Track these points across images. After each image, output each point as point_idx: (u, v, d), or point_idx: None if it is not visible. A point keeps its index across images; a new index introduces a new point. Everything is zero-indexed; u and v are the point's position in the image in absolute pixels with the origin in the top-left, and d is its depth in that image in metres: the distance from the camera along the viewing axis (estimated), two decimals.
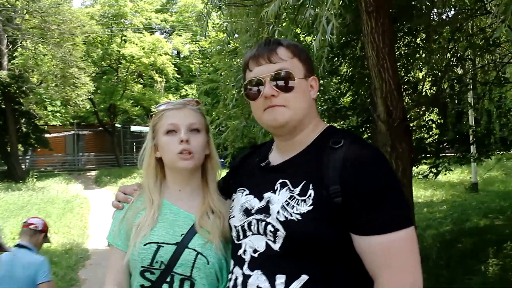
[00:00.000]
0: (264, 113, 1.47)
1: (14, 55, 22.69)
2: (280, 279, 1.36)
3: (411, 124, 5.88)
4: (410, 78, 6.72)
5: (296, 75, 1.45)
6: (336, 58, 6.32)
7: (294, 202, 1.38)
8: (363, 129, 6.39)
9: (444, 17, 6.02)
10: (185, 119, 1.67)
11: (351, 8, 4.85)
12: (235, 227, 1.55)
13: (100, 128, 31.98)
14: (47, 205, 14.60)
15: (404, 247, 1.30)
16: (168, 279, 1.57)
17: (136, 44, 27.40)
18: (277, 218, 1.40)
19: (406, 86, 6.42)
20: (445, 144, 8.45)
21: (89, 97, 25.74)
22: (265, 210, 1.45)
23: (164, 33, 34.10)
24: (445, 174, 8.44)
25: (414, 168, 8.11)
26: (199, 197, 1.72)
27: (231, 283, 1.49)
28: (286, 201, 1.40)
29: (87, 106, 26.31)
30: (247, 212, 1.52)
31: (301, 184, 1.40)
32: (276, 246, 1.39)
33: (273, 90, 1.44)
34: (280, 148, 1.57)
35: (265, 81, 1.44)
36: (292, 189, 1.41)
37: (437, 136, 7.65)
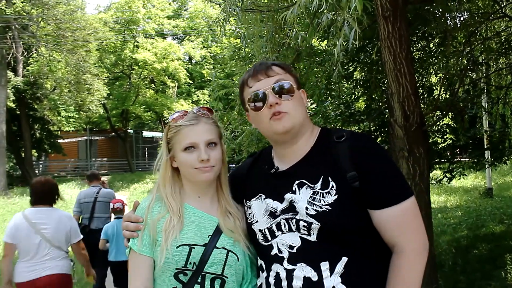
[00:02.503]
0: (271, 122, 1.63)
1: (29, 61, 23.01)
2: (325, 265, 1.52)
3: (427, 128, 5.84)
4: (425, 82, 6.70)
5: (292, 85, 1.66)
6: (350, 63, 6.33)
7: (319, 196, 1.55)
8: (377, 134, 6.37)
9: (458, 21, 5.99)
10: (203, 136, 1.72)
11: (367, 13, 4.87)
12: (261, 230, 1.67)
13: (113, 133, 32.22)
14: (62, 209, 14.70)
15: (413, 212, 1.57)
16: (199, 280, 1.64)
17: (149, 50, 27.61)
18: (307, 213, 1.55)
19: (421, 91, 6.40)
20: (457, 150, 8.38)
21: (102, 102, 26.00)
22: (291, 209, 1.60)
23: (176, 39, 34.33)
24: (459, 179, 8.36)
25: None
26: (216, 202, 1.80)
27: (272, 279, 1.61)
28: (311, 197, 1.56)
29: (100, 112, 26.55)
30: (272, 214, 1.65)
31: (320, 179, 1.58)
32: (312, 238, 1.55)
33: (276, 98, 1.62)
34: (283, 155, 1.71)
35: (268, 92, 1.63)
36: (312, 185, 1.58)
37: (451, 141, 7.60)
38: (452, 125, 7.55)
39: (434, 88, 6.41)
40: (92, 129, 32.91)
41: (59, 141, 27.30)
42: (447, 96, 5.97)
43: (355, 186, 1.53)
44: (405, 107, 4.16)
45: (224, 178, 1.82)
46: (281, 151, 1.71)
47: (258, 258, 1.72)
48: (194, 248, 1.66)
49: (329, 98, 6.37)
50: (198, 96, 31.53)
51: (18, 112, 23.26)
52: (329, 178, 1.56)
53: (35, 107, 23.14)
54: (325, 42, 5.85)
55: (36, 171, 26.26)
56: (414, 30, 6.00)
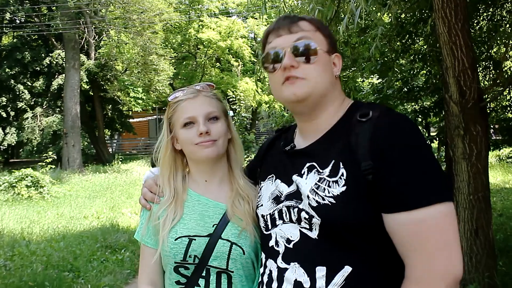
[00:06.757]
0: (283, 87, 1.36)
1: (100, 45, 24.06)
2: (321, 271, 1.24)
3: (492, 105, 5.42)
4: (493, 54, 6.20)
5: (318, 47, 1.35)
6: (408, 36, 5.97)
7: (325, 185, 1.26)
8: (436, 110, 6.00)
9: None
10: (202, 109, 1.59)
11: None
12: (263, 216, 1.46)
13: None
14: (130, 187, 15.43)
15: (439, 226, 1.14)
16: (203, 274, 1.51)
17: (213, 29, 27.85)
18: (309, 204, 1.27)
19: (486, 63, 5.93)
20: None
21: (169, 82, 26.70)
22: (296, 195, 1.34)
23: (241, 17, 34.34)
24: None
25: (500, 151, 7.56)
26: (227, 185, 1.65)
27: (265, 278, 1.39)
28: (316, 184, 1.28)
29: (167, 91, 27.31)
30: (277, 199, 1.42)
31: (331, 164, 1.28)
32: (313, 234, 1.27)
33: (292, 60, 1.33)
34: (304, 131, 1.45)
35: (285, 51, 1.35)
36: (320, 171, 1.29)
37: None
38: None
39: (502, 60, 5.89)
40: (161, 108, 33.97)
41: (130, 120, 28.46)
42: None
43: (369, 179, 1.19)
44: (461, 82, 3.88)
45: (235, 157, 1.68)
46: (301, 125, 1.46)
47: (261, 249, 1.51)
48: (195, 239, 1.52)
49: (388, 73, 6.08)
50: (263, 73, 31.43)
51: (91, 94, 24.50)
52: (340, 164, 1.25)
53: (106, 88, 24.22)
54: (379, 14, 5.54)
55: (110, 150, 27.67)
56: None
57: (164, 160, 1.66)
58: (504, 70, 5.28)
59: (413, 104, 6.10)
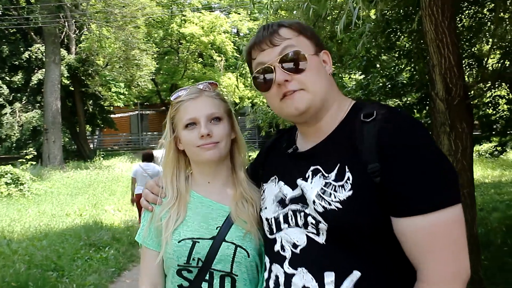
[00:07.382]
0: (282, 103, 1.32)
1: (81, 39, 23.69)
2: (329, 277, 1.22)
3: (474, 101, 5.50)
4: (476, 51, 6.28)
5: (305, 52, 1.31)
6: (393, 33, 6.00)
7: (331, 189, 1.23)
8: (420, 107, 6.06)
9: None
10: (204, 110, 1.55)
11: None
12: (268, 219, 1.43)
13: (163, 107, 32.85)
14: (112, 183, 15.29)
15: (451, 229, 1.14)
16: (207, 277, 1.49)
17: (196, 24, 27.65)
18: (314, 208, 1.25)
19: (470, 61, 6.01)
20: None
21: (151, 77, 26.46)
22: (301, 199, 1.31)
23: (224, 12, 34.18)
24: None
25: (480, 146, 7.68)
26: (230, 186, 1.63)
27: (272, 283, 1.36)
28: (322, 189, 1.25)
29: (149, 86, 27.05)
30: (281, 202, 1.39)
31: (336, 168, 1.25)
32: (321, 239, 1.25)
33: (284, 74, 1.29)
34: (306, 134, 1.42)
35: (274, 66, 1.30)
36: (326, 175, 1.26)
37: (505, 113, 7.13)
38: (506, 96, 7.09)
39: (485, 58, 5.98)
40: (143, 104, 33.68)
41: (112, 116, 28.14)
42: (499, 65, 5.54)
43: (376, 181, 1.17)
44: (447, 79, 3.91)
45: (239, 159, 1.66)
46: (304, 129, 1.42)
47: (264, 253, 1.48)
48: (198, 242, 1.49)
49: (372, 70, 6.11)
50: (245, 69, 31.33)
51: (72, 89, 24.14)
52: (346, 168, 1.22)
53: (88, 83, 23.89)
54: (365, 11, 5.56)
55: (91, 146, 27.32)
56: None
57: (167, 160, 1.64)
58: (487, 67, 5.34)
59: (396, 100, 6.14)
